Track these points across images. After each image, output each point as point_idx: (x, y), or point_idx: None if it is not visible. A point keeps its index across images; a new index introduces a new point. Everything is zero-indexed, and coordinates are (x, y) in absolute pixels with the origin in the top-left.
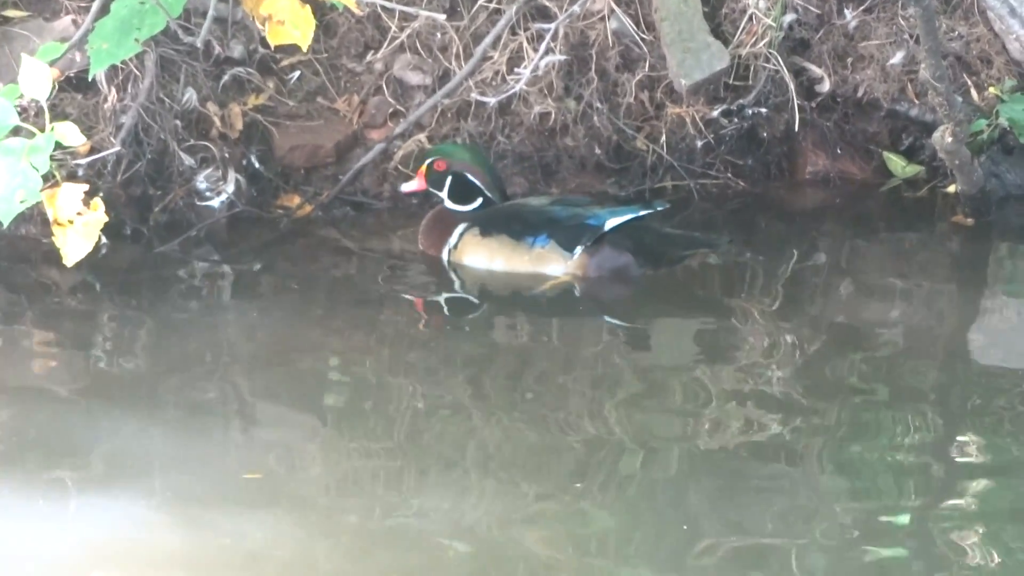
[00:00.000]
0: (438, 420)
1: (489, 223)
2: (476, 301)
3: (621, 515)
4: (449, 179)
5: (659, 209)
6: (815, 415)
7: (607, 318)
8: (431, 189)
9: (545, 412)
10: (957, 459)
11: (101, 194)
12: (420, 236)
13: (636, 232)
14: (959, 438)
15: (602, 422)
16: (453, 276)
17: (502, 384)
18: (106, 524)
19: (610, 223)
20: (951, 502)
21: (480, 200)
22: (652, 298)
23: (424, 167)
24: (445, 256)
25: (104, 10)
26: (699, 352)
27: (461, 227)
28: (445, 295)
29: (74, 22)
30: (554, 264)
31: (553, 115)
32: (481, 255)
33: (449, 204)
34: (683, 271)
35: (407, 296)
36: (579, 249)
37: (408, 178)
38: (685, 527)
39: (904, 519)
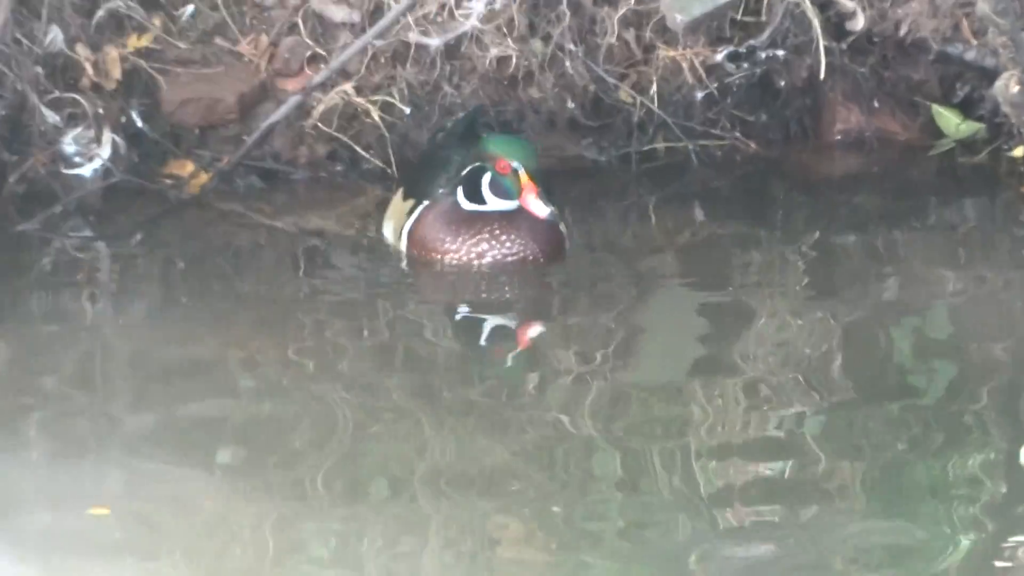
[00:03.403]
0: (356, 449)
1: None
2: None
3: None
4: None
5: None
6: (839, 453)
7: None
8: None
9: (507, 417)
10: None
11: None
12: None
13: None
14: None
15: (584, 430)
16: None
17: (457, 393)
18: None
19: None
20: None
21: None
22: (641, 292)
23: (524, 177)
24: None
25: None
26: (695, 363)
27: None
28: (389, 288)
29: None
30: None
31: (514, 60)
32: None
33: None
34: (685, 256)
35: (337, 290)
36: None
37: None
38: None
39: None
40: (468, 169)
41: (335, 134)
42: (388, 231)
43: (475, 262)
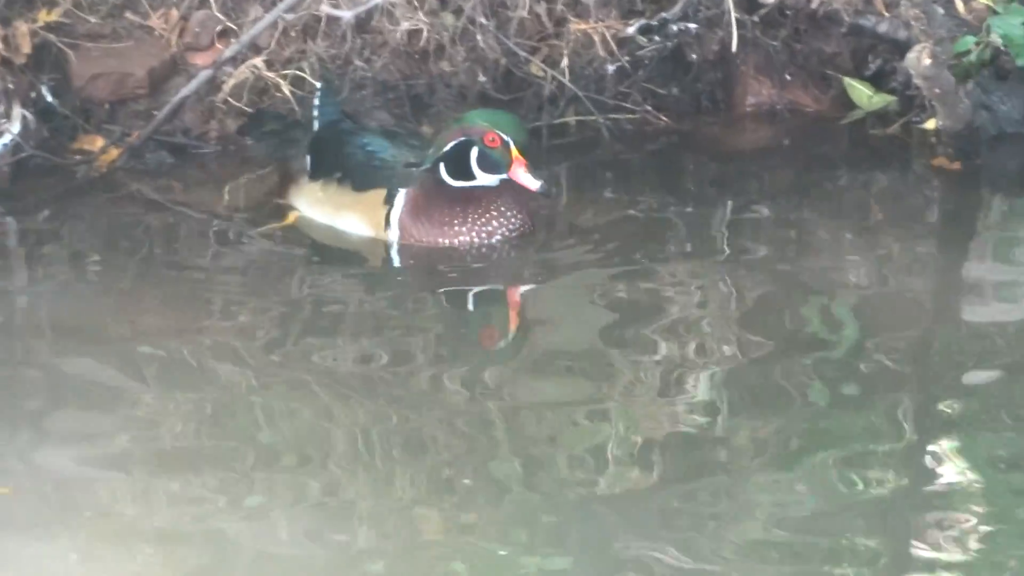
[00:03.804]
0: (268, 420)
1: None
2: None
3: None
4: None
5: None
6: (756, 420)
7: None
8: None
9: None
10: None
11: None
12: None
13: None
14: (934, 445)
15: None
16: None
17: (367, 375)
18: None
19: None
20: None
21: None
22: (551, 270)
23: (515, 150)
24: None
25: None
26: (609, 332)
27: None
28: (298, 261)
29: None
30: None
31: (425, 33)
32: None
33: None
34: (596, 229)
35: (247, 265)
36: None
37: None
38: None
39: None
40: (452, 145)
41: (246, 108)
42: (357, 226)
43: (486, 241)
